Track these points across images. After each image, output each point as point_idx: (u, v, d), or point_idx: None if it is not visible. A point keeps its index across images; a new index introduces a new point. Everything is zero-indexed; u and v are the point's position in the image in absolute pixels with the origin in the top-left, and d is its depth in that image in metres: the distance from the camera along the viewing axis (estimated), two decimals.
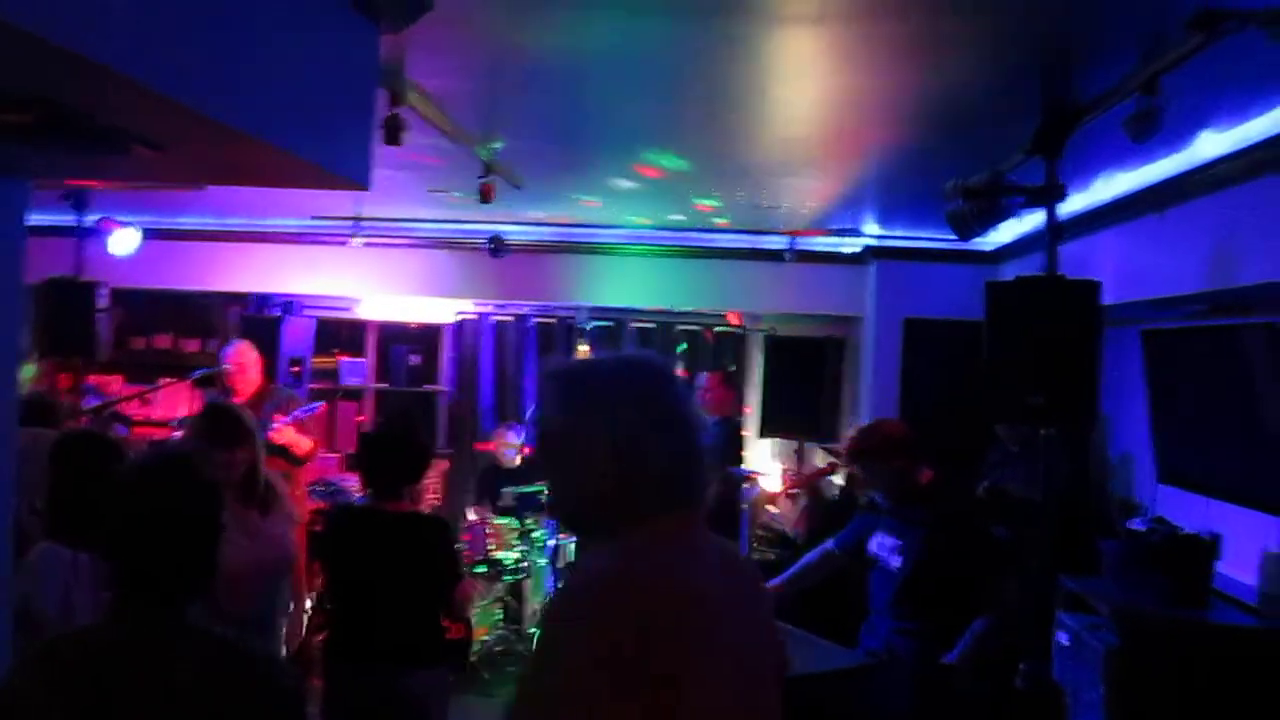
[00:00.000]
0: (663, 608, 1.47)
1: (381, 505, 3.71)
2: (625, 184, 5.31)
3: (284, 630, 3.88)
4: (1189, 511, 4.26)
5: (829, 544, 4.27)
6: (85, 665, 1.81)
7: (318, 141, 2.14)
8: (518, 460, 7.08)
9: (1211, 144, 3.69)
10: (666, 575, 1.54)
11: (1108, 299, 3.65)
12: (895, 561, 3.88)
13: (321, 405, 5.80)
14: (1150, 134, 2.91)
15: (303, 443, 5.54)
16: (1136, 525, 4.08)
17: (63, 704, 1.78)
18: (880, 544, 3.99)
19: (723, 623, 1.55)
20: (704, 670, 1.48)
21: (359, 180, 2.31)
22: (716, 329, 8.13)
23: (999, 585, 3.80)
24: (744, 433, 7.85)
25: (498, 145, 4.41)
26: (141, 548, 1.87)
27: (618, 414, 1.63)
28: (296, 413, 5.56)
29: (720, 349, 8.15)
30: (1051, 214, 3.66)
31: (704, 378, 6.26)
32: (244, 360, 5.73)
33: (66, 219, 5.73)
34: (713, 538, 1.71)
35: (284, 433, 5.43)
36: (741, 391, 8.04)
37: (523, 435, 7.19)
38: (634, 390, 1.67)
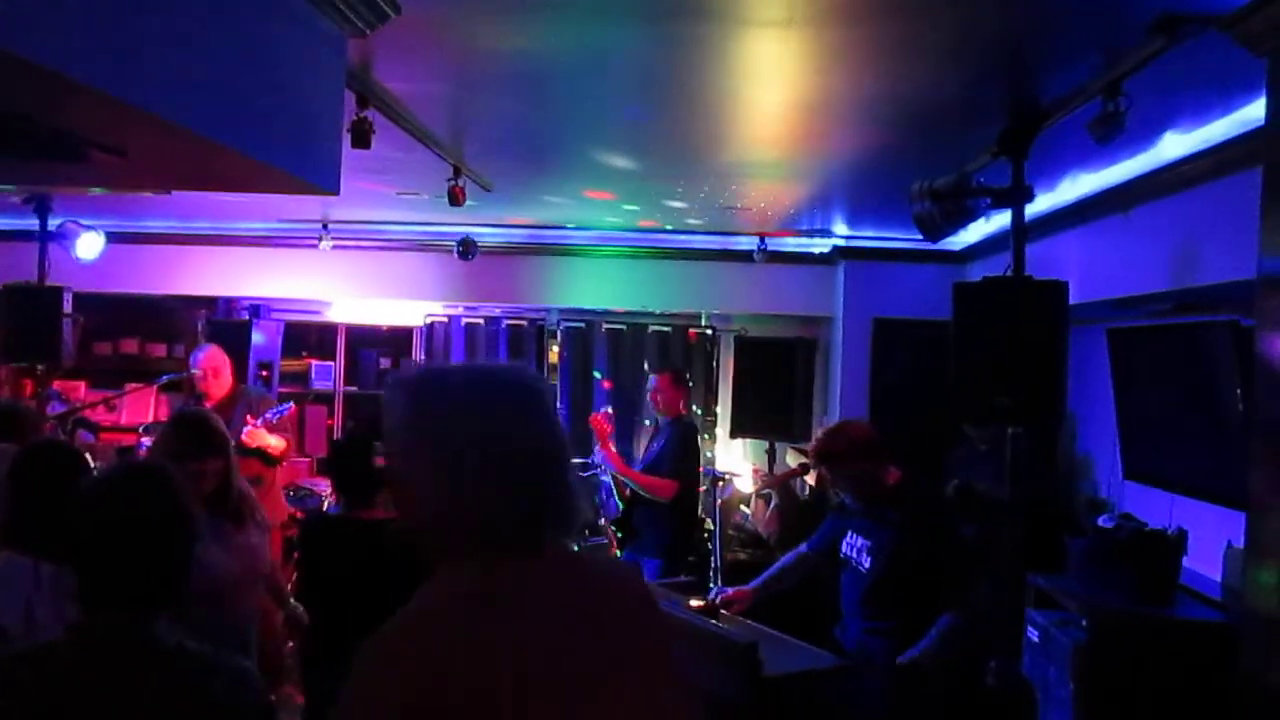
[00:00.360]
0: (443, 692, 1.32)
1: (355, 513, 3.68)
2: (603, 178, 5.30)
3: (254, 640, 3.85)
4: (1154, 507, 4.31)
5: (803, 546, 4.28)
6: (44, 685, 1.77)
7: (286, 147, 2.12)
8: None
9: (1175, 145, 3.74)
10: (456, 650, 1.34)
11: (1073, 298, 3.68)
12: (866, 562, 3.90)
13: (291, 406, 5.73)
14: (1114, 136, 2.95)
15: (276, 443, 5.50)
16: (1104, 522, 4.12)
17: None
18: (851, 545, 4.01)
19: (529, 696, 1.35)
20: None
21: (328, 186, 2.30)
22: (692, 329, 8.13)
23: (966, 584, 3.82)
24: (703, 434, 7.85)
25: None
26: (107, 558, 1.84)
27: (448, 437, 1.46)
28: (268, 414, 5.51)
29: (691, 350, 8.15)
30: (1019, 215, 3.69)
31: (653, 379, 6.22)
32: (215, 364, 5.65)
33: (29, 223, 5.66)
34: (565, 581, 1.50)
35: (256, 435, 5.38)
36: (713, 388, 8.06)
37: None
38: (476, 411, 1.48)
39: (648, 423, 6.19)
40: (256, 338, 7.37)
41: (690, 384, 6.39)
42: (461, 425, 1.46)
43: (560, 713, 1.37)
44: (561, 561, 1.54)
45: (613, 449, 5.86)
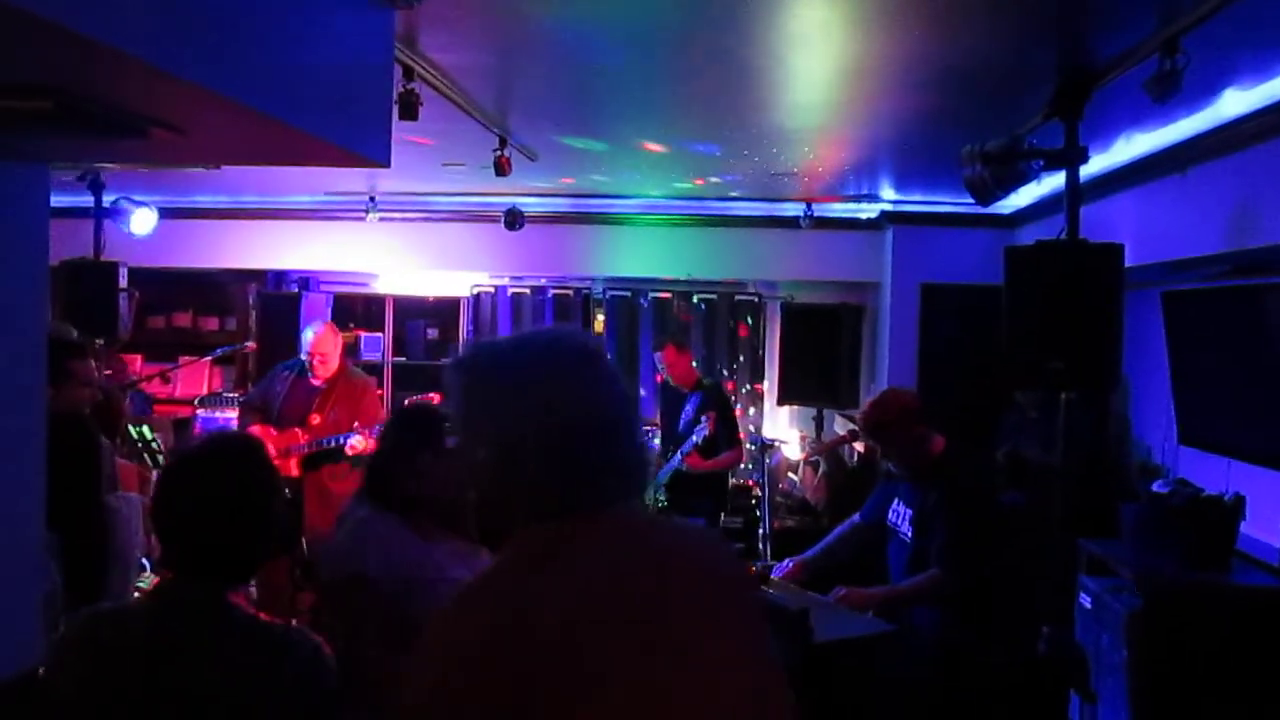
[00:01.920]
0: (499, 653, 1.32)
1: None
2: (643, 151, 5.29)
3: None
4: (1210, 473, 4.25)
5: (855, 516, 4.28)
6: (122, 645, 1.84)
7: (337, 120, 2.14)
8: None
9: (1234, 102, 3.65)
10: (510, 616, 1.34)
11: (1128, 261, 3.62)
12: (909, 531, 3.89)
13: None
14: (1171, 95, 2.88)
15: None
16: (1158, 488, 4.07)
17: (102, 681, 1.81)
18: (896, 513, 4.00)
19: (586, 653, 1.34)
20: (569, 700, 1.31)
21: (379, 158, 2.31)
22: (737, 297, 8.11)
23: (970, 552, 3.73)
24: (750, 403, 7.87)
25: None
26: (190, 529, 1.90)
27: (509, 412, 1.46)
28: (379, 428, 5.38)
29: (736, 317, 8.14)
30: (1072, 177, 3.63)
31: (658, 357, 6.26)
32: (325, 350, 5.49)
33: (84, 200, 5.76)
34: (631, 547, 1.48)
35: (359, 447, 5.30)
36: (759, 356, 8.04)
37: None
38: (534, 382, 1.47)
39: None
40: (305, 310, 7.45)
41: (689, 346, 6.43)
42: (521, 399, 1.46)
43: (624, 662, 1.36)
44: (633, 521, 1.53)
45: (695, 457, 5.94)
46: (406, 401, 5.53)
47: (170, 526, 1.92)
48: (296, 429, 5.34)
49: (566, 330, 1.62)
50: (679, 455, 5.92)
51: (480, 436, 1.49)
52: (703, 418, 5.84)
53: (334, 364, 5.52)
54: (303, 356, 5.52)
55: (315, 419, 5.35)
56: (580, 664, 1.33)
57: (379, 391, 5.89)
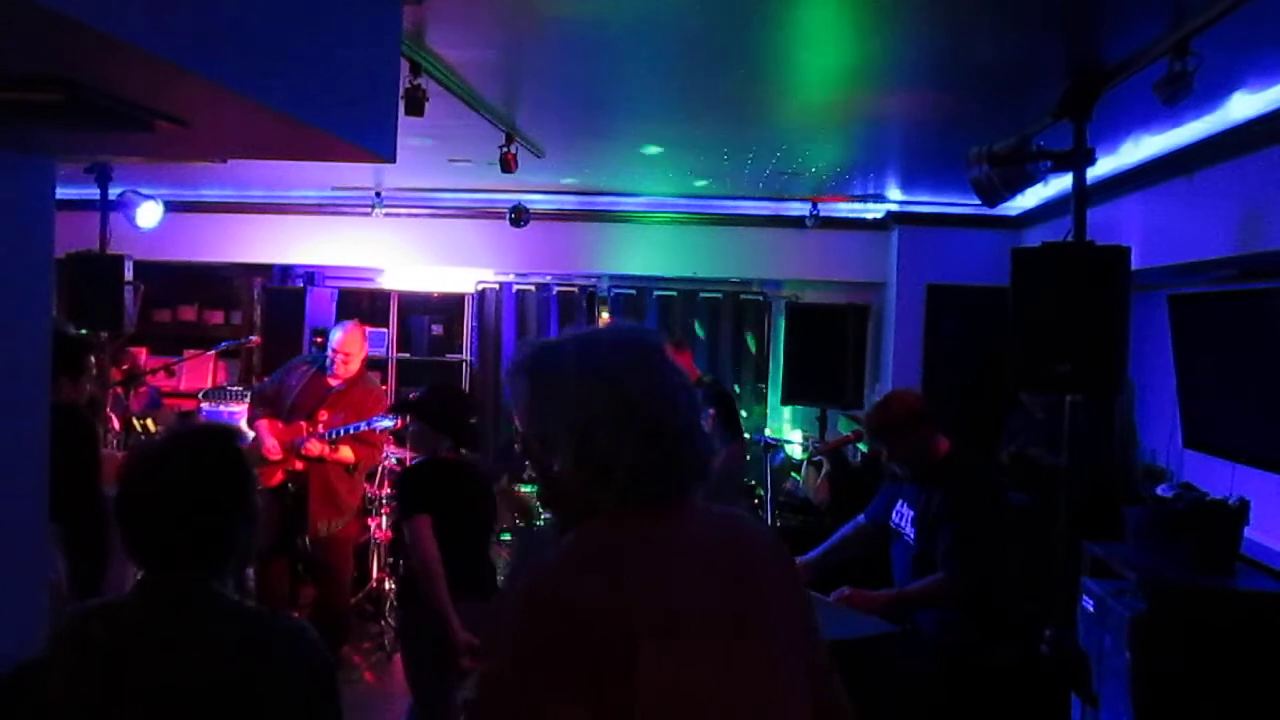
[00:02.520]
0: (586, 630, 1.37)
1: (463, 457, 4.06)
2: (648, 151, 5.29)
3: None
4: (1215, 476, 4.24)
5: (860, 517, 4.26)
6: (111, 639, 1.83)
7: (344, 114, 2.13)
8: None
9: (1243, 106, 3.64)
10: (596, 593, 1.40)
11: (1134, 264, 3.61)
12: (912, 533, 3.88)
13: (394, 422, 5.43)
14: (1182, 97, 2.87)
15: (347, 454, 5.41)
16: (1163, 491, 4.06)
17: (92, 678, 1.80)
18: (900, 514, 3.99)
19: (672, 635, 1.40)
20: (656, 670, 1.37)
21: (385, 154, 2.31)
22: (742, 296, 8.10)
23: (976, 555, 3.71)
24: (754, 401, 7.88)
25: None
26: (163, 518, 1.87)
27: (578, 404, 1.49)
28: (373, 421, 5.37)
29: (741, 318, 8.13)
30: (1080, 179, 3.62)
31: None
32: (349, 350, 5.43)
33: (90, 192, 5.76)
34: (702, 530, 1.55)
35: (313, 448, 5.32)
36: (764, 355, 8.03)
37: None
38: (600, 375, 1.51)
39: None
40: (310, 305, 7.45)
41: (688, 344, 6.44)
42: (588, 397, 1.49)
43: (684, 660, 1.41)
44: (698, 514, 1.57)
45: None
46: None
47: (128, 518, 1.90)
48: (303, 422, 5.34)
49: (629, 325, 1.69)
50: None
51: (555, 429, 1.51)
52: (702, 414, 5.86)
53: (355, 366, 5.49)
54: (327, 352, 5.51)
55: (324, 415, 5.34)
56: (672, 642, 1.39)
57: (386, 399, 5.87)
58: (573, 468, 1.50)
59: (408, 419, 4.30)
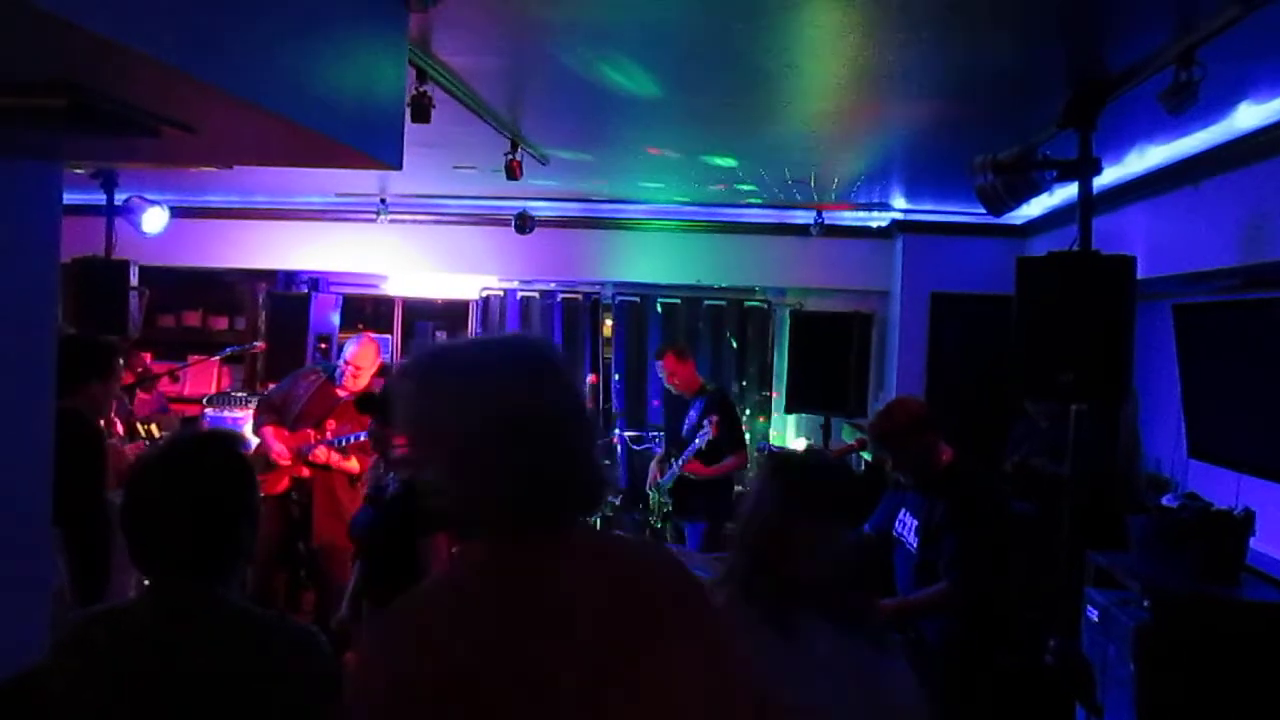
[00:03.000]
0: (407, 672, 1.31)
1: None
2: (654, 157, 5.29)
3: None
4: (1219, 486, 4.23)
5: (864, 527, 4.25)
6: (116, 645, 1.83)
7: (350, 122, 2.14)
8: None
9: (1249, 115, 3.63)
10: (428, 634, 1.32)
11: (1139, 273, 3.61)
12: (914, 542, 3.87)
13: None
14: (1187, 106, 2.87)
15: (354, 465, 5.42)
16: (1168, 501, 4.05)
17: (96, 683, 1.80)
18: (902, 523, 3.98)
19: (508, 703, 1.31)
20: None
21: (391, 161, 2.31)
22: (746, 304, 8.10)
23: (980, 564, 3.70)
24: (758, 409, 7.88)
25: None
26: (160, 527, 1.88)
27: (457, 422, 1.39)
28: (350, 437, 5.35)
29: (745, 325, 8.12)
30: (1085, 188, 3.61)
31: (659, 365, 6.25)
32: (361, 365, 5.45)
33: (96, 198, 5.77)
34: (582, 569, 1.42)
35: (320, 454, 5.35)
36: (768, 363, 8.02)
37: None
38: (483, 393, 1.40)
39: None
40: (315, 311, 7.46)
41: (690, 353, 6.43)
42: (470, 408, 1.40)
43: (554, 698, 1.32)
44: (579, 543, 1.46)
45: (697, 464, 5.90)
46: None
47: (134, 526, 1.90)
48: (310, 430, 5.35)
49: (524, 337, 1.59)
50: (679, 462, 5.91)
51: (431, 442, 1.43)
52: (705, 422, 5.83)
53: (365, 379, 5.50)
54: (339, 363, 5.51)
55: (332, 424, 5.35)
56: (523, 689, 1.31)
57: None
58: (448, 489, 1.41)
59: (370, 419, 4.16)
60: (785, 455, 2.19)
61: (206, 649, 1.82)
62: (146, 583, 1.95)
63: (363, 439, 5.25)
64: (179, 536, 1.86)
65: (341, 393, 5.40)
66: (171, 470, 1.91)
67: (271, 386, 6.06)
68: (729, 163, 5.38)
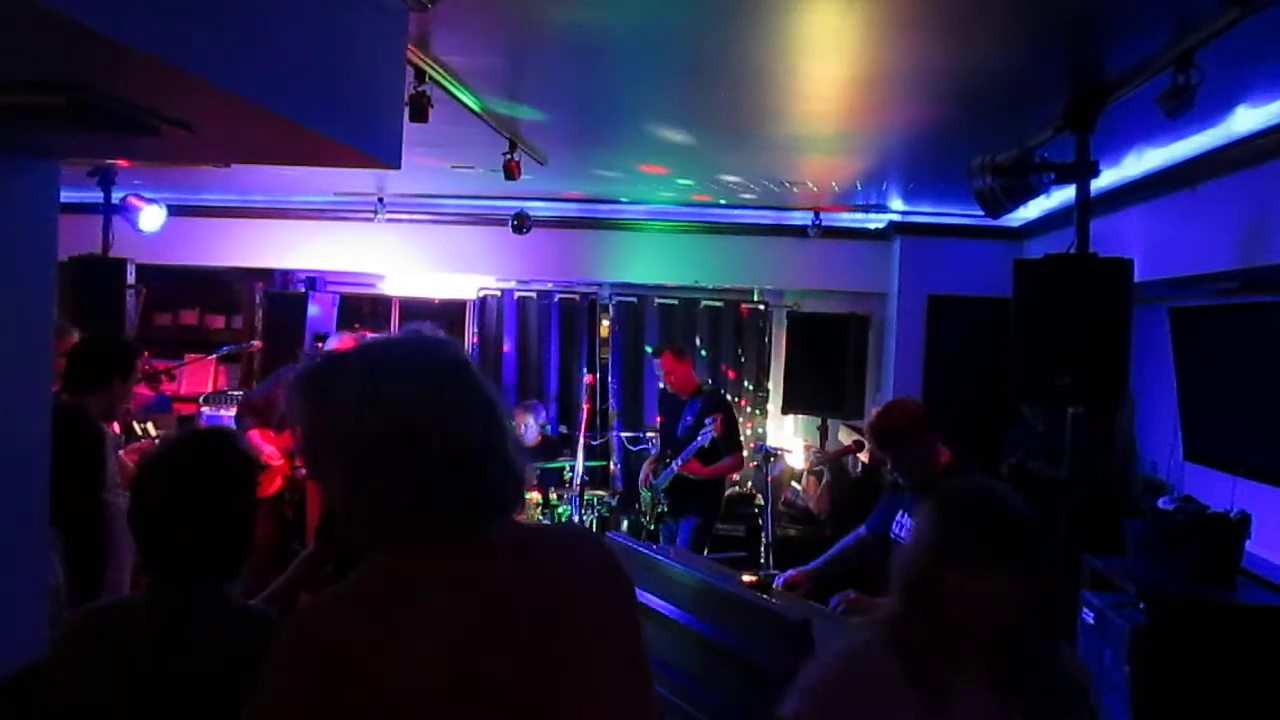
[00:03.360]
0: (321, 682, 1.24)
1: None
2: (652, 158, 5.29)
3: None
4: (1215, 490, 4.24)
5: (861, 529, 4.25)
6: (118, 640, 1.83)
7: (349, 120, 2.13)
8: (538, 439, 7.06)
9: (1246, 119, 3.64)
10: (360, 647, 1.25)
11: (1136, 276, 3.62)
12: None
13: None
14: (1184, 110, 2.88)
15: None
16: (1163, 504, 4.06)
17: (97, 678, 1.81)
18: (900, 525, 3.98)
19: (440, 697, 1.26)
20: None
21: (390, 160, 2.30)
22: (744, 304, 8.10)
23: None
24: (755, 409, 7.88)
25: (523, 118, 4.40)
26: (165, 527, 1.89)
27: (352, 435, 1.32)
28: None
29: (742, 325, 8.12)
30: (1083, 191, 3.62)
31: (657, 364, 6.25)
32: None
33: (93, 195, 5.76)
34: (500, 571, 1.36)
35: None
36: (765, 364, 8.03)
37: (542, 415, 7.20)
38: (377, 404, 1.32)
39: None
40: (312, 310, 7.45)
41: (688, 353, 6.42)
42: (363, 428, 1.31)
43: (472, 709, 1.28)
44: (493, 548, 1.38)
45: (695, 464, 5.90)
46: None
47: (143, 527, 1.91)
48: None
49: (425, 338, 1.45)
50: (678, 461, 5.90)
51: (327, 452, 1.35)
52: (707, 421, 5.82)
53: None
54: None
55: None
56: (440, 706, 1.27)
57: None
58: (345, 502, 1.35)
59: None
60: (954, 487, 1.94)
61: (204, 647, 1.82)
62: (148, 581, 1.96)
63: None
64: (186, 535, 1.87)
65: None
66: (177, 469, 1.93)
67: (252, 390, 6.05)
68: (729, 174, 5.39)
